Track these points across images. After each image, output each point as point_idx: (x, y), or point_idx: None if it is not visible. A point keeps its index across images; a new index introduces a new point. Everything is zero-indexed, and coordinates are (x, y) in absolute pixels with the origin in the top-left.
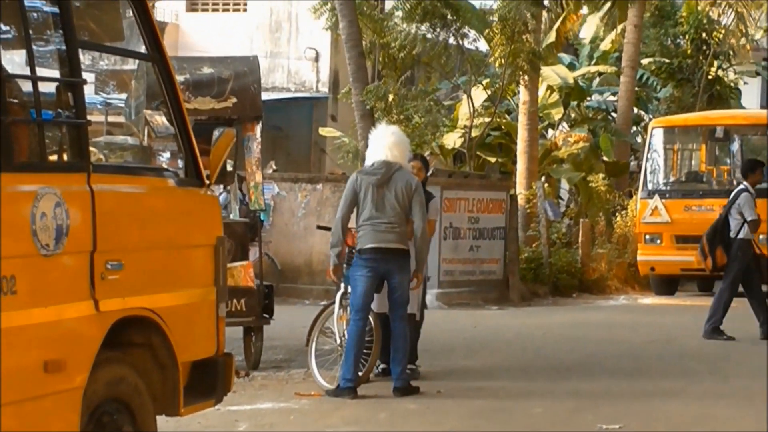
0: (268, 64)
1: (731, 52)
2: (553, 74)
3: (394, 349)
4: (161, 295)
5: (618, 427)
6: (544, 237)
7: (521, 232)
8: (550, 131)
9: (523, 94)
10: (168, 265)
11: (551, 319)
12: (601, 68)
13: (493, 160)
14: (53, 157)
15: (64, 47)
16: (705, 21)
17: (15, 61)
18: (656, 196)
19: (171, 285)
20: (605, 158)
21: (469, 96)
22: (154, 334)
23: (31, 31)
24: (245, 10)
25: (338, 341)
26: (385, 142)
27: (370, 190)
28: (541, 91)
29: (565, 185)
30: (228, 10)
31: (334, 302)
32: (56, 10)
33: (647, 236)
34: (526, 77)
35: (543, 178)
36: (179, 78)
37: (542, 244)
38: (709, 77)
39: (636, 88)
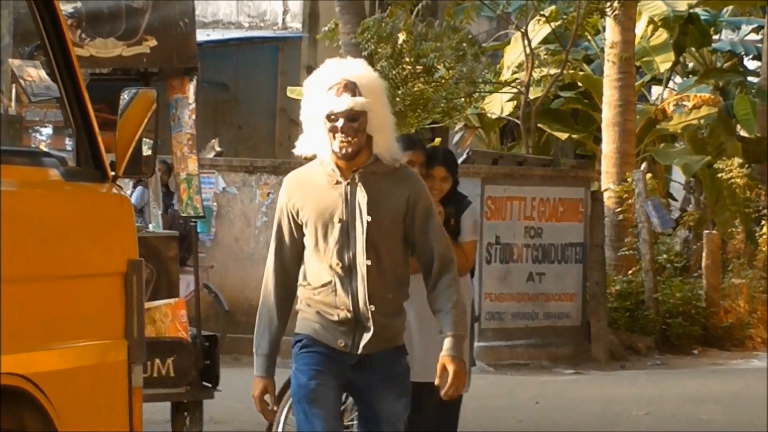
0: None
1: None
2: None
3: None
4: (40, 354)
5: None
6: (647, 259)
7: (610, 251)
8: (655, 90)
9: (611, 31)
10: (51, 305)
11: (659, 390)
12: None
13: (563, 136)
14: None
15: None
16: None
17: None
18: None
19: (56, 338)
20: (743, 133)
21: (525, 34)
22: (30, 416)
23: None
24: None
25: None
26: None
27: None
28: (640, 26)
29: (679, 176)
30: None
31: None
32: None
33: None
34: (616, 2)
35: (644, 166)
36: (66, 8)
37: (643, 270)
38: None
39: None
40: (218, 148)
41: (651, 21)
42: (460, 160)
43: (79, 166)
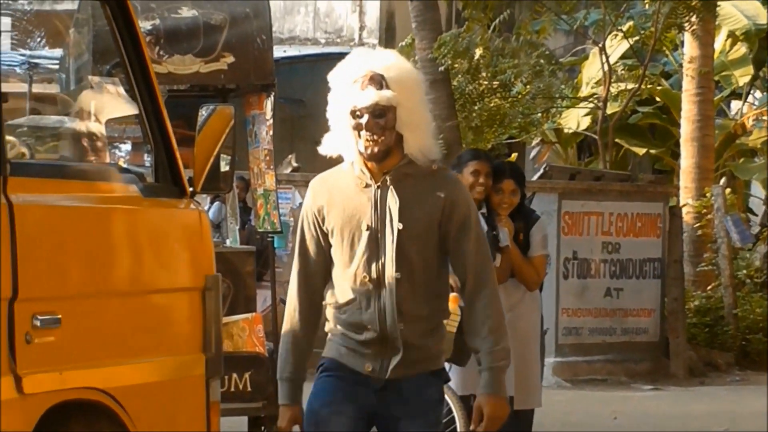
0: (284, 2)
1: None
2: (735, 12)
3: None
4: (119, 368)
5: None
6: (727, 274)
7: (689, 266)
8: (734, 105)
9: (689, 46)
10: (130, 320)
11: (738, 407)
12: None
13: (641, 151)
14: None
15: None
16: None
17: None
18: None
19: (135, 352)
20: None
21: (603, 49)
22: (110, 430)
23: None
24: None
25: None
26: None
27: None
28: (719, 40)
29: (759, 191)
30: None
31: None
32: None
33: None
34: (694, 17)
35: (723, 180)
36: (145, 25)
37: (723, 286)
38: None
39: None
40: (295, 164)
41: (730, 35)
42: (537, 176)
43: (157, 182)
